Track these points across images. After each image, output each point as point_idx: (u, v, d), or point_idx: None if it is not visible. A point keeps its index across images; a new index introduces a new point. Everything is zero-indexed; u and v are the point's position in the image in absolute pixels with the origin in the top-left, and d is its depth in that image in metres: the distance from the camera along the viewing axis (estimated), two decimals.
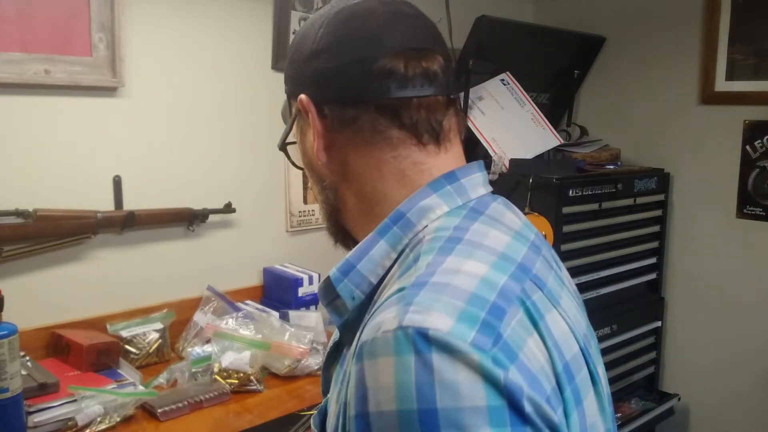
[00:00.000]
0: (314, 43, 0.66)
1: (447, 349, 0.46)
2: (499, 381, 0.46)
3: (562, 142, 2.23)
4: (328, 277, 0.63)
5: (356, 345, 0.52)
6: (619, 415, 2.19)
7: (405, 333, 0.47)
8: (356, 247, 0.63)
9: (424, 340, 0.46)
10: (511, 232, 0.61)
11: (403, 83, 0.63)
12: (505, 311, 0.50)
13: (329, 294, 0.63)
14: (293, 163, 0.80)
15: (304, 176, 2.09)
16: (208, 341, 1.56)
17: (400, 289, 0.52)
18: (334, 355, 0.69)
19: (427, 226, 0.60)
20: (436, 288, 0.50)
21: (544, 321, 0.54)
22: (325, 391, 0.72)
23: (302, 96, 0.66)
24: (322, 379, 0.73)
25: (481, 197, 0.65)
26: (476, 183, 0.65)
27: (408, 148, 0.65)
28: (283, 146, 0.77)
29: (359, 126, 0.64)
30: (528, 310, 0.53)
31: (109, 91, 1.60)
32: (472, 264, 0.53)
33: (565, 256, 1.99)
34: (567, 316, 0.59)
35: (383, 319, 0.49)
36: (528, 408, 0.46)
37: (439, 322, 0.47)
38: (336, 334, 0.67)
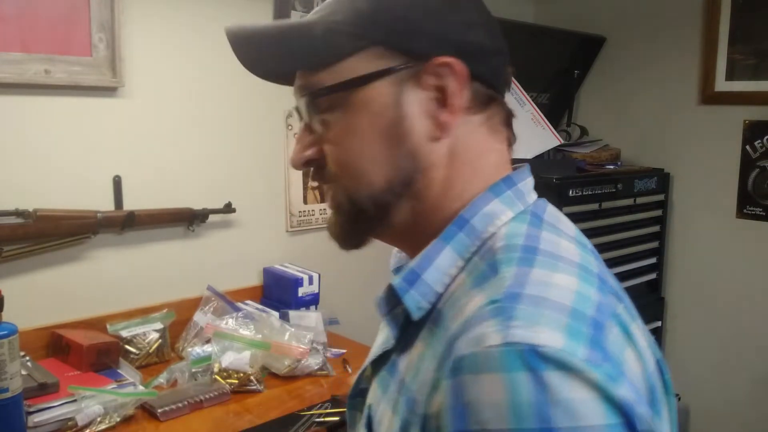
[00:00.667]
0: (471, 12, 0.62)
1: (562, 366, 0.44)
2: (614, 398, 0.44)
3: (562, 142, 2.23)
4: (391, 287, 0.59)
5: (445, 358, 0.49)
6: None
7: (514, 349, 0.45)
8: (420, 255, 0.59)
9: (536, 357, 0.44)
10: (573, 241, 0.59)
11: (508, 83, 0.65)
12: (604, 326, 0.49)
13: (390, 304, 0.60)
14: (313, 118, 0.63)
15: (305, 176, 2.10)
16: (208, 341, 1.56)
17: (493, 301, 0.49)
18: (380, 362, 0.65)
19: (495, 233, 0.58)
20: (533, 301, 0.48)
21: (633, 334, 0.52)
22: (356, 395, 0.70)
23: (454, 60, 0.58)
24: (357, 384, 0.70)
25: (536, 202, 0.63)
26: (530, 187, 0.64)
27: (502, 144, 0.65)
28: (331, 90, 0.60)
29: (493, 113, 0.63)
30: (621, 324, 0.51)
31: (109, 91, 1.60)
32: (561, 277, 0.52)
33: None
34: (643, 327, 0.57)
35: (483, 332, 0.47)
36: (639, 424, 0.45)
37: (550, 338, 0.45)
38: (387, 342, 0.63)
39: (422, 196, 0.61)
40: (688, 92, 2.32)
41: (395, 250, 0.78)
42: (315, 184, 0.66)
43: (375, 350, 0.66)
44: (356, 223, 0.63)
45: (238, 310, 1.71)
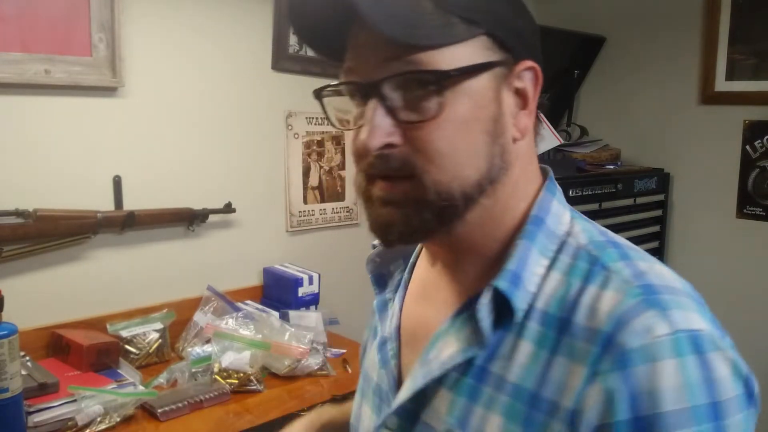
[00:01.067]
0: (534, 21, 0.62)
1: (715, 347, 0.51)
2: (741, 371, 0.52)
3: (562, 142, 2.23)
4: (497, 289, 0.57)
5: (601, 354, 0.51)
6: None
7: (684, 335, 0.50)
8: (513, 257, 0.58)
9: (700, 341, 0.51)
10: None
11: None
12: (705, 305, 0.56)
13: (494, 307, 0.58)
14: (408, 101, 0.56)
15: (305, 176, 2.10)
16: (208, 341, 1.56)
17: (635, 295, 0.53)
18: (461, 370, 0.60)
19: (569, 232, 0.61)
20: (666, 290, 0.54)
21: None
22: (402, 413, 0.64)
23: (535, 64, 0.60)
24: (418, 392, 0.62)
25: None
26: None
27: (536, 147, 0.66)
28: (459, 73, 0.55)
29: (538, 119, 0.64)
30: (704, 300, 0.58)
31: (109, 91, 1.60)
32: (657, 266, 0.57)
33: None
34: None
35: (648, 324, 0.51)
36: (754, 389, 0.53)
37: (701, 323, 0.52)
38: (468, 350, 0.59)
39: (497, 195, 0.60)
40: (688, 92, 2.32)
41: (373, 254, 0.75)
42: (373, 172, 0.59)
43: (448, 360, 0.60)
44: (439, 218, 0.57)
45: (238, 310, 1.70)
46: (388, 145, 0.56)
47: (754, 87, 2.16)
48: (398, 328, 0.71)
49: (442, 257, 0.66)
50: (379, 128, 0.55)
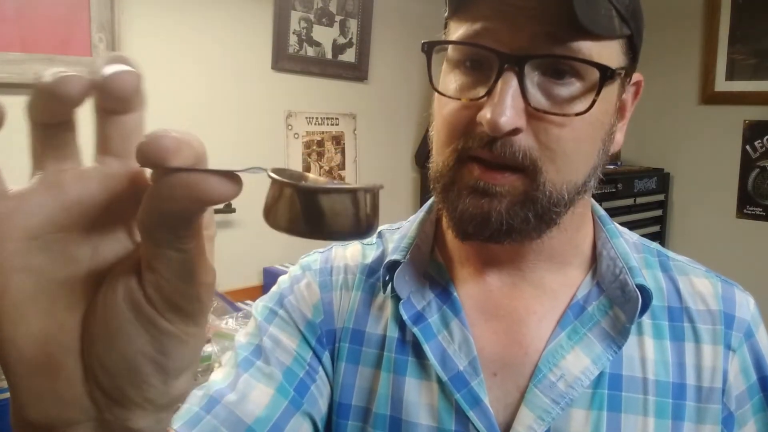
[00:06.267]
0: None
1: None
2: None
3: None
4: (646, 289, 0.56)
5: (725, 330, 0.58)
6: None
7: (755, 302, 0.62)
8: (622, 252, 0.59)
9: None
10: None
11: None
12: None
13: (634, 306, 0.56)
14: (553, 88, 0.50)
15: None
16: (208, 341, 1.56)
17: (715, 278, 0.62)
18: (591, 384, 0.56)
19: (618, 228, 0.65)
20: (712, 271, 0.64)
21: None
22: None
23: (642, 79, 0.57)
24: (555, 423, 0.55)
25: None
26: None
27: None
28: (609, 74, 0.50)
29: None
30: None
31: None
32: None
33: None
34: None
35: (744, 300, 0.61)
36: None
37: None
38: (601, 360, 0.56)
39: (584, 200, 0.59)
40: (688, 92, 2.32)
41: (404, 276, 0.60)
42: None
43: (583, 375, 0.55)
44: (539, 219, 0.52)
45: (238, 310, 1.70)
46: (515, 130, 0.49)
47: (754, 87, 2.16)
48: (476, 357, 0.57)
49: (510, 268, 0.59)
50: (514, 109, 0.48)
